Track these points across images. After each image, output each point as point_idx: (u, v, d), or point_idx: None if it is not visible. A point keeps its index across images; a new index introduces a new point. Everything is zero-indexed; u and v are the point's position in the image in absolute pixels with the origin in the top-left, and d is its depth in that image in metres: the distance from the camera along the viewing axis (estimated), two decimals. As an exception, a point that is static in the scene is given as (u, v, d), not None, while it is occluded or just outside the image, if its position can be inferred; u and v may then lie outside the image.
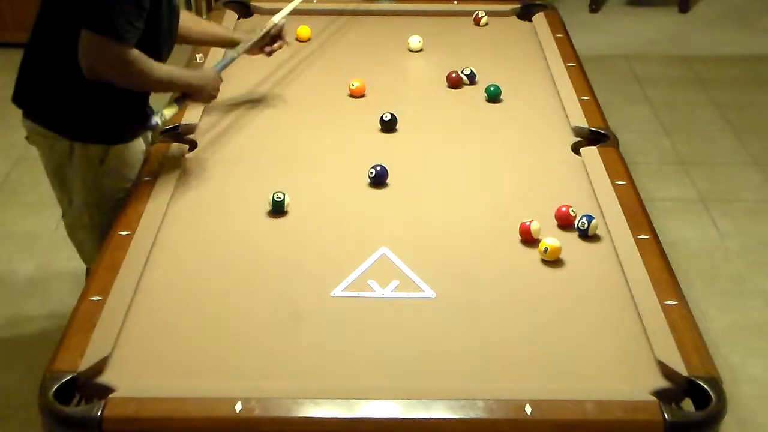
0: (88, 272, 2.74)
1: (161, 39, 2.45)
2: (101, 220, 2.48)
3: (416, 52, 3.16)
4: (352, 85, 2.86)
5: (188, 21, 2.79)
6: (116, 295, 1.95)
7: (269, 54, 2.88)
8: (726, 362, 3.07)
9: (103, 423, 1.64)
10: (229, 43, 2.86)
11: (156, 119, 2.41)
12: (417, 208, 2.33)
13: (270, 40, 2.86)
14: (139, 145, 2.54)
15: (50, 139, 2.46)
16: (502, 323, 1.93)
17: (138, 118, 2.46)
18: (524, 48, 3.22)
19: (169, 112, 2.45)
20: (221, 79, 2.58)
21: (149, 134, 2.64)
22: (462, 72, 2.92)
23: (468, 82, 2.92)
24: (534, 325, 1.92)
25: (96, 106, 2.38)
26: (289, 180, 2.38)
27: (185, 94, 2.50)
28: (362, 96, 2.86)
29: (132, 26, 2.24)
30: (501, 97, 2.82)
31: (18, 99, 2.47)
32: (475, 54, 3.15)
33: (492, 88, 2.82)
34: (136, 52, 2.28)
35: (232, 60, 2.67)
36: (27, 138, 2.54)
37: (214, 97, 2.57)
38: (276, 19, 2.88)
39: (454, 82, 2.91)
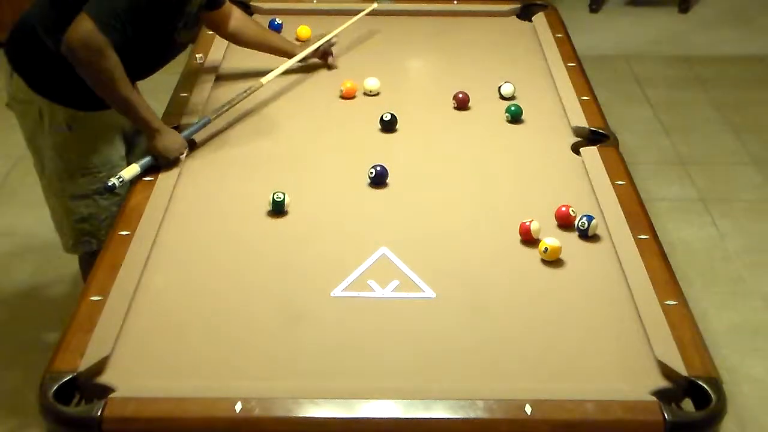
0: (80, 257, 2.76)
1: (145, 55, 2.49)
2: (72, 189, 2.54)
3: (373, 95, 2.87)
4: (344, 86, 2.83)
5: (245, 26, 2.89)
6: (116, 295, 1.95)
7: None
8: (726, 362, 3.07)
9: (103, 423, 1.64)
10: (285, 55, 2.94)
11: (113, 181, 2.32)
12: (417, 208, 2.33)
13: (321, 55, 3.01)
14: (110, 117, 2.52)
15: (24, 105, 2.52)
16: (502, 323, 1.93)
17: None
18: (524, 48, 3.22)
19: (128, 174, 2.35)
20: (186, 147, 2.47)
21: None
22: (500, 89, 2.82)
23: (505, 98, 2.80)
24: (534, 325, 1.92)
25: (70, 69, 2.35)
26: (289, 180, 2.38)
27: (153, 159, 2.41)
28: (353, 98, 2.84)
29: (117, 18, 2.26)
30: (522, 117, 2.71)
31: (7, 47, 2.52)
32: (475, 54, 3.16)
33: (513, 108, 2.71)
34: (115, 55, 2.29)
35: (205, 125, 2.56)
36: (7, 105, 2.61)
37: (174, 165, 2.42)
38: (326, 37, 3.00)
39: (462, 103, 2.78)
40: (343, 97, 2.84)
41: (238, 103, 2.68)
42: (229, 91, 2.82)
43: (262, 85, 2.76)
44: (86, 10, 2.25)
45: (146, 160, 2.40)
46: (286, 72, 2.91)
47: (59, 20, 2.31)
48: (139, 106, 2.41)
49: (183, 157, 2.46)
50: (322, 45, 3.00)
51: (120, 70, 2.33)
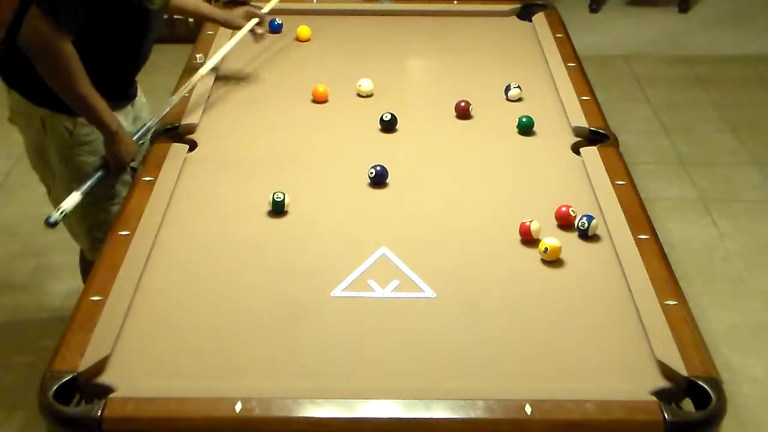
0: (81, 257, 2.77)
1: (122, 51, 2.50)
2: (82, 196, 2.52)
3: (366, 96, 2.85)
4: (316, 90, 2.79)
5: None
6: (116, 295, 1.95)
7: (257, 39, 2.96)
8: (726, 362, 3.07)
9: (103, 423, 1.64)
10: (221, 22, 2.97)
11: (55, 215, 2.30)
12: (417, 208, 2.33)
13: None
14: None
15: (27, 117, 2.53)
16: (502, 323, 1.93)
17: (106, 93, 2.44)
18: (524, 48, 3.22)
19: (69, 204, 2.34)
20: (139, 152, 2.52)
21: (131, 113, 2.65)
22: (507, 90, 2.82)
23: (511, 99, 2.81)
24: (534, 325, 1.92)
25: None
26: (289, 180, 2.38)
27: (104, 170, 2.44)
28: (325, 102, 2.81)
29: (73, 13, 2.26)
30: (534, 129, 2.66)
31: (2, 68, 2.53)
32: (475, 54, 3.16)
33: (524, 119, 2.66)
34: (70, 49, 2.29)
35: (148, 129, 2.57)
36: (9, 120, 2.61)
37: (125, 167, 2.46)
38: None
39: (462, 112, 2.73)
40: (314, 101, 2.80)
41: (179, 98, 2.67)
42: (230, 90, 2.82)
43: (202, 76, 2.74)
44: (35, 3, 2.25)
45: (93, 179, 2.41)
46: (285, 71, 2.91)
47: (20, 18, 2.32)
48: (98, 106, 2.40)
49: (134, 163, 2.49)
50: (251, 27, 2.96)
51: (76, 65, 2.32)
